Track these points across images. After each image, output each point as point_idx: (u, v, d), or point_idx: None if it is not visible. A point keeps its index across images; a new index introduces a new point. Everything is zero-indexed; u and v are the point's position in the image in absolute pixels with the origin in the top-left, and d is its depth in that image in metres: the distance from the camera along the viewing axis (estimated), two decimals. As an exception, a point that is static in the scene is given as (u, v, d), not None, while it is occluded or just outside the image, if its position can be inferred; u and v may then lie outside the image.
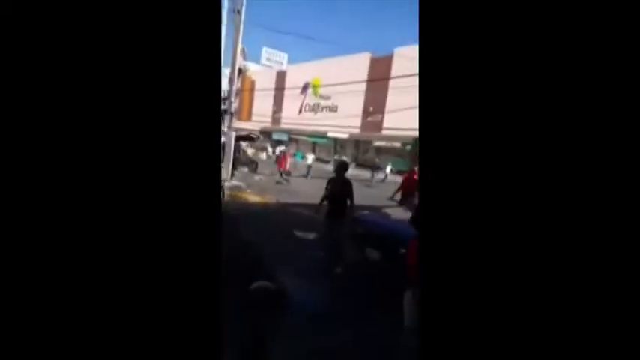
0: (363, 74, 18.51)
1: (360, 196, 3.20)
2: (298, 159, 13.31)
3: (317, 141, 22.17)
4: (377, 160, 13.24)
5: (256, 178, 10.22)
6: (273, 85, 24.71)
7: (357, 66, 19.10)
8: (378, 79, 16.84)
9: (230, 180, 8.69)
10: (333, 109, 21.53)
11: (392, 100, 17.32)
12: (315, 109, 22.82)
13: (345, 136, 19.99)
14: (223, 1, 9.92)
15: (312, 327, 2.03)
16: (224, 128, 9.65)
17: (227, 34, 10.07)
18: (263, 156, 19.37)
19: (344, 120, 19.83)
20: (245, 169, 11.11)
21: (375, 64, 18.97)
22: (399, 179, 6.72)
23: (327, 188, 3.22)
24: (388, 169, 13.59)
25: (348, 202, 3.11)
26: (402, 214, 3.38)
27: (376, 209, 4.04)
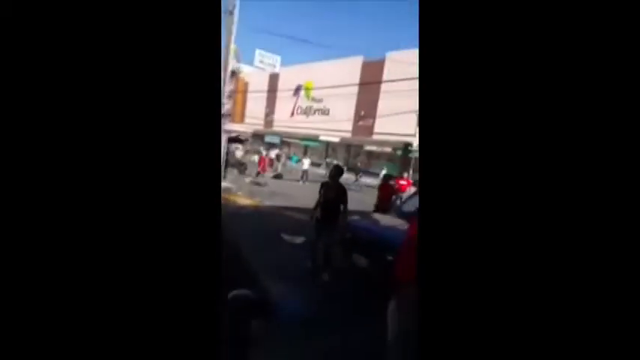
0: (355, 78, 18.68)
1: (350, 201, 3.18)
2: (293, 162, 13.15)
3: (309, 144, 22.20)
4: (359, 164, 13.18)
5: (246, 180, 10.15)
6: (266, 88, 24.67)
7: (349, 70, 19.26)
8: (370, 82, 17.00)
9: (222, 182, 8.60)
10: (325, 112, 21.63)
11: (383, 104, 17.50)
12: (307, 112, 22.88)
13: (336, 139, 20.08)
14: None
15: (294, 335, 2.02)
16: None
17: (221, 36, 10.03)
18: (255, 158, 19.28)
19: (336, 123, 19.93)
20: (234, 171, 11.03)
21: (366, 68, 19.16)
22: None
23: (320, 192, 3.13)
24: (382, 173, 13.62)
25: (342, 208, 3.03)
26: (391, 220, 3.40)
27: (365, 215, 4.06)
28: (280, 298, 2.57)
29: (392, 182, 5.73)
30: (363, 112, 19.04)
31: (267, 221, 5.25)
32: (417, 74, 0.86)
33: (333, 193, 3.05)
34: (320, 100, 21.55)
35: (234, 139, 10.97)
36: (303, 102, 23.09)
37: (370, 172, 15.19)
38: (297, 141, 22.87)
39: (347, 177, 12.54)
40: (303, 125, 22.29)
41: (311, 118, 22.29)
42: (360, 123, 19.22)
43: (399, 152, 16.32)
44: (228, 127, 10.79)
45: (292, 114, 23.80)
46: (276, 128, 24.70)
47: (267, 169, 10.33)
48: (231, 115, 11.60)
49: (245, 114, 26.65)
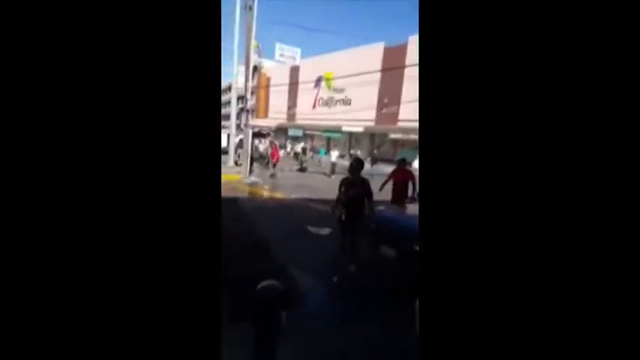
0: (377, 65, 18.12)
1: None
2: (322, 155, 12.97)
3: (331, 135, 22.06)
4: (375, 151, 12.67)
5: (272, 174, 10.36)
6: (287, 81, 24.73)
7: (370, 57, 18.70)
8: (392, 68, 16.42)
9: (249, 176, 8.87)
10: (346, 102, 21.28)
11: (408, 90, 16.87)
12: (329, 103, 22.65)
13: (359, 129, 19.74)
14: (235, -1, 9.99)
15: (320, 327, 2.03)
16: (242, 126, 9.80)
17: (240, 32, 10.18)
18: (281, 153, 19.45)
19: (358, 113, 19.56)
20: (259, 165, 11.30)
21: (388, 53, 18.50)
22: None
23: (340, 189, 2.94)
24: (416, 162, 12.90)
25: (367, 202, 2.82)
26: (417, 209, 3.31)
27: (389, 205, 3.99)
28: (307, 290, 2.62)
29: (409, 167, 5.02)
30: (386, 100, 18.50)
31: (293, 213, 5.34)
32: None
33: (355, 189, 2.81)
34: (341, 90, 21.22)
35: (256, 134, 11.16)
36: (324, 93, 22.89)
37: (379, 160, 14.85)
38: (319, 133, 22.82)
39: (378, 168, 12.28)
40: (325, 117, 22.15)
41: (333, 109, 22.06)
42: (384, 111, 18.71)
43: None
44: (253, 122, 11.00)
45: (314, 106, 23.71)
46: (298, 121, 24.77)
47: (280, 159, 10.38)
48: (255, 111, 11.80)
49: (268, 108, 26.99)
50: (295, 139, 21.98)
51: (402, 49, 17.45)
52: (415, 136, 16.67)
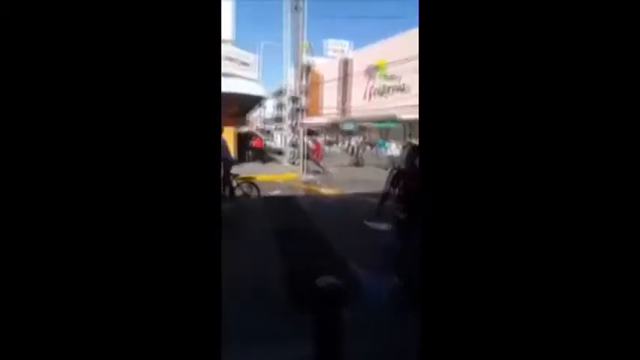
0: (435, 45, 16.62)
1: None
2: (383, 148, 12.18)
3: (387, 126, 21.17)
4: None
5: (328, 170, 10.42)
6: (338, 75, 24.62)
7: (426, 37, 17.27)
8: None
9: (304, 174, 9.10)
10: (401, 89, 20.16)
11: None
12: (383, 92, 21.80)
13: (416, 116, 18.48)
14: (282, 0, 10.26)
15: (376, 325, 1.92)
16: (296, 125, 10.10)
17: (291, 33, 10.43)
18: (337, 149, 19.53)
19: (415, 98, 18.31)
20: (311, 163, 11.48)
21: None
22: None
23: (392, 183, 2.51)
24: None
25: None
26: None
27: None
28: (367, 287, 2.52)
29: None
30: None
31: (350, 208, 5.26)
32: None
33: (415, 181, 2.28)
34: (397, 78, 20.19)
35: (307, 132, 11.38)
36: (377, 82, 22.10)
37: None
38: (374, 125, 22.14)
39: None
40: (381, 107, 21.36)
41: (388, 97, 21.15)
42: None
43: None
44: (306, 121, 11.23)
45: (367, 97, 23.10)
46: (352, 115, 24.47)
47: (321, 155, 10.28)
48: (307, 109, 12.03)
49: (321, 105, 27.31)
50: (349, 134, 21.77)
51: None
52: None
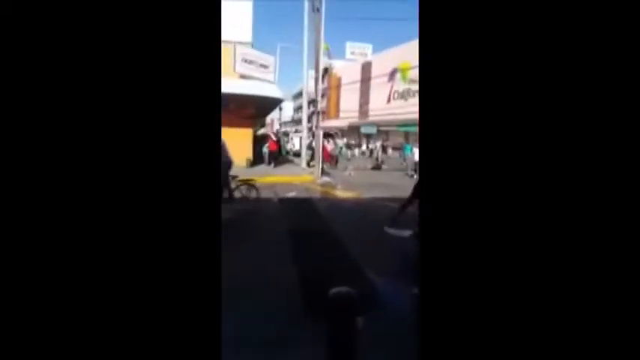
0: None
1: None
2: (407, 152, 11.80)
3: (408, 129, 20.66)
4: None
5: (345, 173, 10.22)
6: (358, 78, 24.42)
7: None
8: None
9: (321, 177, 8.95)
10: (425, 92, 19.63)
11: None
12: (405, 95, 21.35)
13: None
14: (302, 1, 10.25)
15: (395, 335, 1.72)
16: (313, 128, 10.01)
17: (309, 35, 10.39)
18: (356, 152, 19.29)
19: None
20: (328, 165, 11.29)
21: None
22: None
23: (415, 191, 2.49)
24: None
25: None
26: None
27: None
28: (384, 296, 2.31)
29: None
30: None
31: (367, 214, 5.02)
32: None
33: None
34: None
35: (325, 135, 11.25)
36: (399, 86, 21.69)
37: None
38: (395, 128, 21.68)
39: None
40: (402, 110, 20.91)
41: (410, 101, 20.65)
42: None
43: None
44: (324, 123, 11.13)
45: (388, 100, 22.70)
46: (371, 118, 24.14)
47: (331, 159, 10.09)
48: (326, 112, 11.95)
49: (340, 108, 27.17)
50: (368, 137, 21.46)
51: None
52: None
